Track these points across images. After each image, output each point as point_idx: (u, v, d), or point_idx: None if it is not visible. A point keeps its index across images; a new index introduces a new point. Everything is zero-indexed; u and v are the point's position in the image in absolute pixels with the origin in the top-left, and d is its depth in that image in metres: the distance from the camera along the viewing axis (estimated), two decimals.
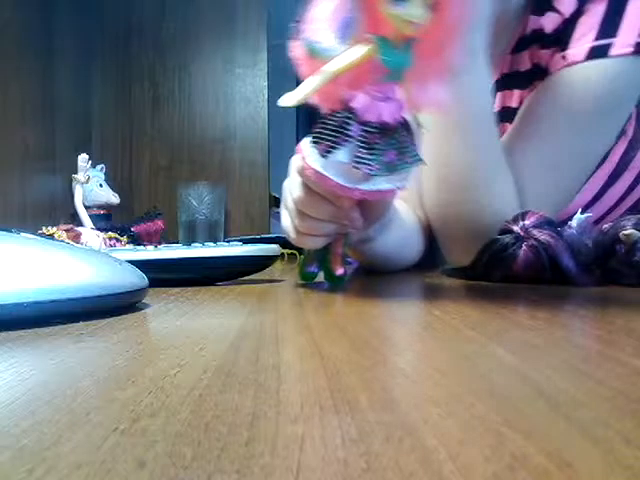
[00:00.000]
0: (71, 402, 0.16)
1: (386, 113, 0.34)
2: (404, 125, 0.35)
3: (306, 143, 0.36)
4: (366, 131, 0.34)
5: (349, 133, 0.34)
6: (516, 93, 0.61)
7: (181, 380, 0.18)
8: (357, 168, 0.34)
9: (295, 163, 0.43)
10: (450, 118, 0.51)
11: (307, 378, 0.18)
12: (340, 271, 0.44)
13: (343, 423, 0.14)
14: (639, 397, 0.16)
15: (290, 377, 0.18)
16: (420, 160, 0.36)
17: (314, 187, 0.40)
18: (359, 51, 0.32)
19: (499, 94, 0.63)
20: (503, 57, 0.62)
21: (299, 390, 0.17)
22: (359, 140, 0.34)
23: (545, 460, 0.12)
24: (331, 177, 0.35)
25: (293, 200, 0.43)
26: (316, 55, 0.34)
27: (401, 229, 0.57)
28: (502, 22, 0.59)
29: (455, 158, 0.52)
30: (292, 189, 0.43)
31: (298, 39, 0.36)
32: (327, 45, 0.34)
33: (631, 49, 0.51)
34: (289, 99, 0.35)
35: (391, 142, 0.34)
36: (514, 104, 0.61)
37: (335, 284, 0.46)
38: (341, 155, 0.34)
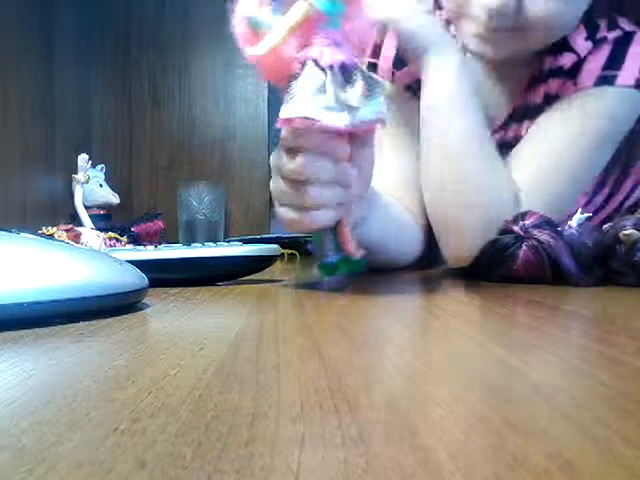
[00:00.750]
0: (71, 402, 0.16)
1: (342, 55, 0.38)
2: (357, 63, 0.40)
3: (286, 108, 0.39)
4: (332, 74, 0.38)
5: (320, 80, 0.37)
6: (526, 124, 0.66)
7: (181, 380, 0.18)
8: (339, 107, 0.38)
9: (274, 157, 0.43)
10: (452, 102, 0.56)
11: (307, 378, 0.18)
12: (358, 253, 0.43)
13: (343, 423, 0.14)
14: (639, 397, 0.16)
15: (290, 377, 0.18)
16: (383, 85, 0.42)
17: (308, 143, 0.40)
18: (302, 7, 0.37)
19: (513, 125, 0.68)
20: (517, 92, 0.67)
21: (299, 390, 0.17)
22: (331, 84, 0.37)
23: (545, 460, 0.12)
24: (321, 119, 0.37)
25: (290, 174, 0.42)
26: (260, 28, 0.38)
27: (389, 218, 0.58)
28: (519, 60, 0.64)
29: (458, 142, 0.56)
30: (283, 168, 0.42)
31: (238, 18, 0.39)
32: (267, 18, 0.38)
33: (632, 82, 0.58)
34: (259, 49, 0.39)
35: (356, 78, 0.38)
36: (523, 133, 0.65)
37: (355, 270, 0.45)
38: (322, 100, 0.37)
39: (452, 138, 0.56)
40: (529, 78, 0.66)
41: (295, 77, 0.38)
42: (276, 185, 0.44)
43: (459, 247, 0.56)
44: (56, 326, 0.28)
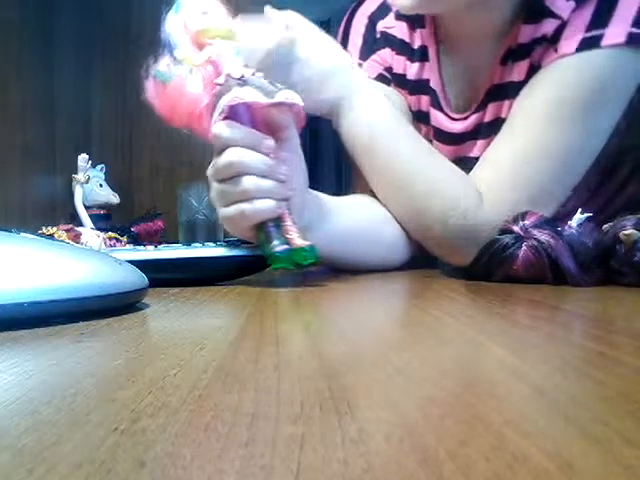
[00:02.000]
0: (71, 402, 0.16)
1: (249, 70, 0.46)
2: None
3: (216, 112, 0.45)
4: (246, 81, 0.45)
5: (239, 84, 0.44)
6: (507, 104, 0.59)
7: (181, 380, 0.18)
8: (263, 90, 0.45)
9: (209, 169, 0.47)
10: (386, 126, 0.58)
11: (307, 378, 0.18)
12: (304, 242, 0.44)
13: (343, 423, 0.14)
14: (639, 397, 0.16)
15: (290, 377, 0.18)
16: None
17: (232, 139, 0.45)
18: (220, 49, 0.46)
19: (491, 105, 0.61)
20: (492, 68, 0.60)
21: (299, 390, 0.17)
22: (248, 85, 0.44)
23: (545, 460, 0.12)
24: (244, 97, 0.44)
25: (223, 171, 0.46)
26: (168, 80, 0.46)
27: (353, 221, 0.56)
28: (488, 32, 0.58)
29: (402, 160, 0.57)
30: (217, 170, 0.46)
31: (149, 78, 0.46)
32: (172, 70, 0.46)
33: (623, 39, 0.50)
34: (200, 58, 0.46)
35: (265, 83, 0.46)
36: (504, 115, 0.59)
37: (307, 261, 0.44)
38: (242, 92, 0.44)
39: (396, 158, 0.57)
40: (504, 52, 0.58)
41: (216, 95, 0.45)
42: (215, 191, 0.47)
43: (447, 253, 0.57)
44: (56, 326, 0.28)
